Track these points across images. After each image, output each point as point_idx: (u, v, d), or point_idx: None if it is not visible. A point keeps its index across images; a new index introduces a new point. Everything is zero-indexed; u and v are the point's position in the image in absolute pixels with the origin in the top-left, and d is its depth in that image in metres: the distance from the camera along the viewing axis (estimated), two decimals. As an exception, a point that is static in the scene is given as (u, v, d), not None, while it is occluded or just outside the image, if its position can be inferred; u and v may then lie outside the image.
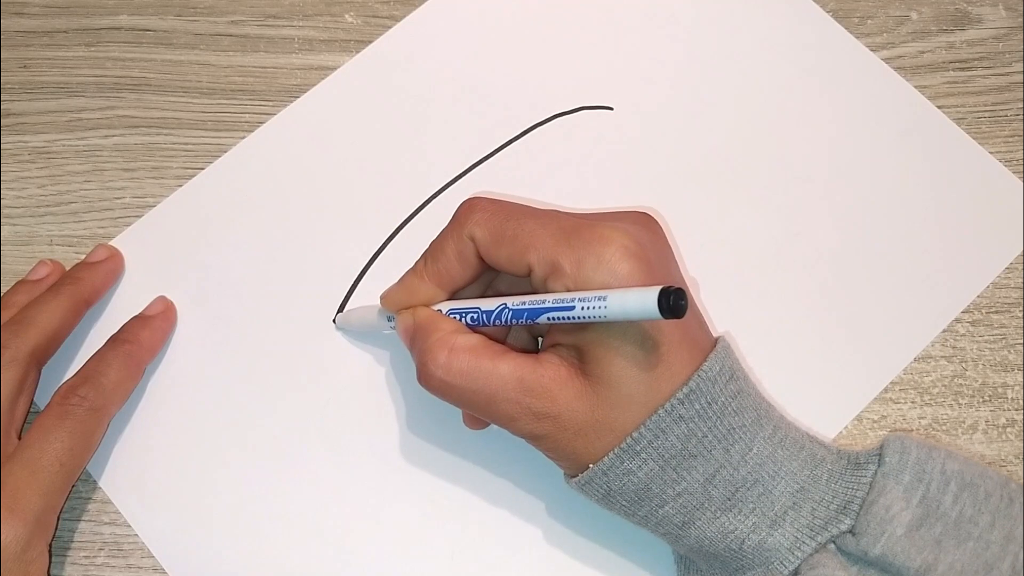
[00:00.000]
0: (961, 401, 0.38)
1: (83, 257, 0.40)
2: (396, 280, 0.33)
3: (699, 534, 0.29)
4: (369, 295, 0.39)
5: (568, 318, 0.28)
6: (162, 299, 0.39)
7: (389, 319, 0.35)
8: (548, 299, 0.28)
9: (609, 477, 0.29)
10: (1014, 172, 0.42)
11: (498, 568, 0.35)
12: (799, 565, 0.29)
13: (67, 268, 0.39)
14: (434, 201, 0.41)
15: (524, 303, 0.29)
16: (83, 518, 0.36)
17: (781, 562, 0.29)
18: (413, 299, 0.33)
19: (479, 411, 0.30)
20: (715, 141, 0.42)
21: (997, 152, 0.42)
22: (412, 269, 0.33)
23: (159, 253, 0.40)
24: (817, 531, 0.29)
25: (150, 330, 0.37)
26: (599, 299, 0.27)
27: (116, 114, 0.43)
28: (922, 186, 0.41)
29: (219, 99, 0.43)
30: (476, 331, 0.31)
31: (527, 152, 0.42)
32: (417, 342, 0.31)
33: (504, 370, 0.29)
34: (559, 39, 0.44)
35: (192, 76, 0.44)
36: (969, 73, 0.44)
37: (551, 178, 0.41)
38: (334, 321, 0.39)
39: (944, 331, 0.39)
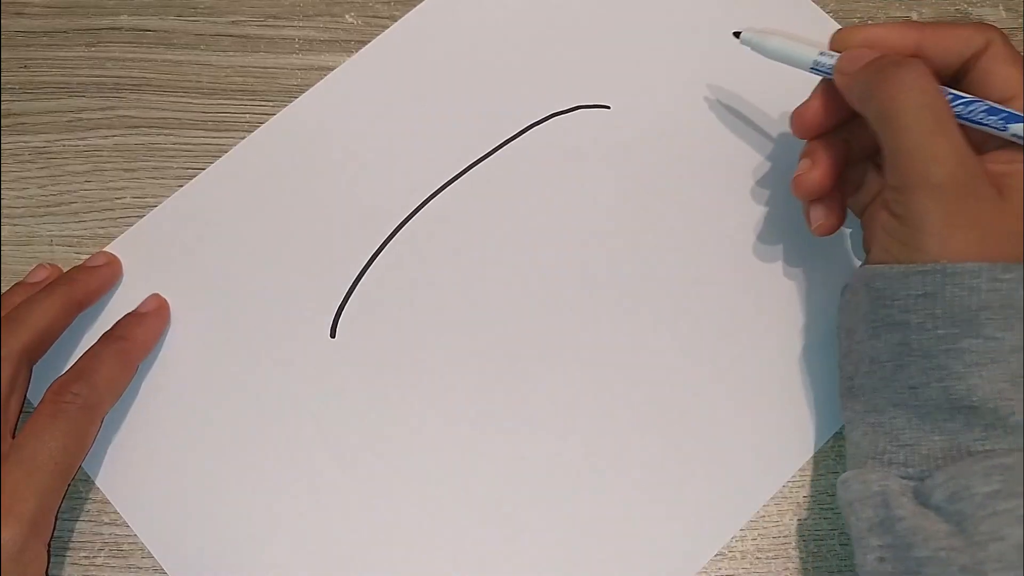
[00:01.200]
0: None
1: (83, 257, 0.40)
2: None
3: (978, 383, 0.29)
4: (369, 294, 0.39)
5: None
6: (156, 296, 0.39)
7: (821, 55, 0.35)
8: None
9: (954, 280, 0.29)
10: (1015, 173, 0.42)
11: (499, 569, 0.35)
12: None
13: (66, 269, 0.39)
14: (433, 201, 0.41)
15: (1007, 108, 0.31)
16: (83, 518, 0.36)
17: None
18: (878, 40, 0.33)
19: (917, 134, 0.30)
20: (714, 140, 0.42)
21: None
22: (899, 23, 0.34)
23: (160, 253, 0.40)
24: None
25: (144, 327, 0.37)
26: None
27: (116, 114, 0.43)
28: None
29: (219, 99, 0.43)
30: None
31: (525, 151, 0.42)
32: (899, 60, 0.31)
33: (957, 129, 0.30)
34: (556, 38, 0.44)
35: (192, 76, 0.44)
36: (970, 74, 0.44)
37: (550, 177, 0.41)
38: (737, 34, 0.38)
39: (944, 332, 0.39)
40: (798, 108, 0.36)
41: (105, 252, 0.39)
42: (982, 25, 0.33)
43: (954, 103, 0.32)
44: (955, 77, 0.33)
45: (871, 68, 0.32)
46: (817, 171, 0.35)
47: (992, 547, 0.27)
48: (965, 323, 0.29)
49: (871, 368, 0.32)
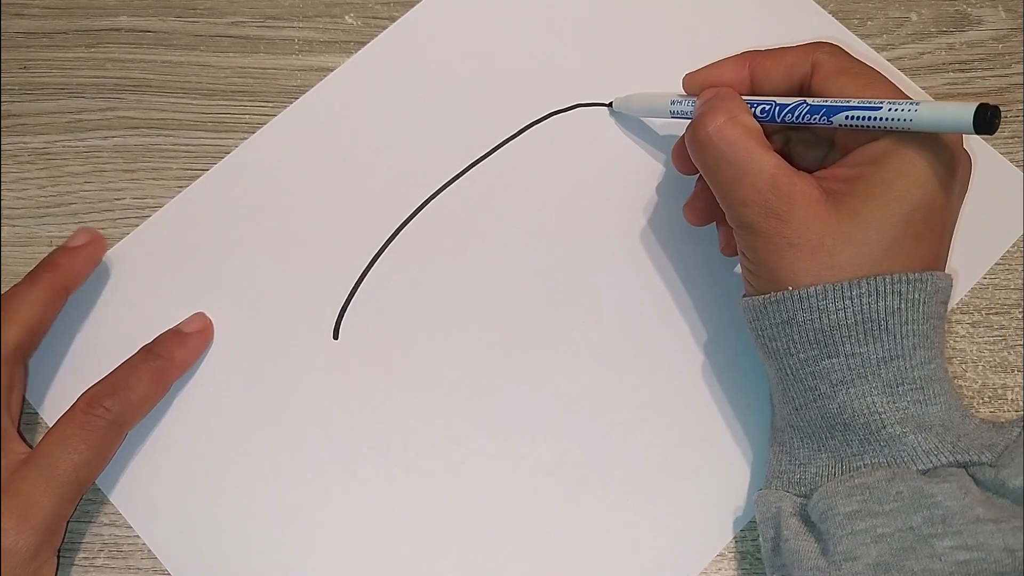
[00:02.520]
0: (961, 402, 0.38)
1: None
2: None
3: (847, 400, 0.30)
4: (372, 295, 0.39)
5: (870, 119, 0.28)
6: (201, 316, 0.38)
7: (673, 102, 0.36)
8: (854, 100, 0.29)
9: (802, 306, 0.29)
10: (1014, 173, 0.42)
11: (504, 569, 0.35)
12: (928, 471, 0.29)
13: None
14: (433, 201, 0.41)
15: (826, 100, 0.30)
16: (83, 519, 0.36)
17: (912, 460, 0.29)
18: (720, 79, 0.34)
19: (721, 183, 0.31)
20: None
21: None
22: (734, 56, 0.34)
23: (162, 256, 0.40)
24: (959, 451, 0.29)
25: (185, 348, 0.37)
26: (911, 103, 0.28)
27: (116, 115, 0.43)
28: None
29: (219, 100, 0.43)
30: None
31: (525, 151, 0.42)
32: (707, 101, 0.33)
33: (765, 160, 0.30)
34: (555, 37, 0.44)
35: (192, 77, 0.44)
36: (969, 74, 0.44)
37: (549, 176, 0.41)
38: (610, 105, 0.40)
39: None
40: (685, 203, 0.38)
41: (87, 229, 0.38)
42: (809, 47, 0.33)
43: (780, 113, 0.32)
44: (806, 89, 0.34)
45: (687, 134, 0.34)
46: (692, 215, 0.37)
47: (846, 567, 0.28)
48: (822, 344, 0.30)
49: (771, 391, 0.34)
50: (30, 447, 0.34)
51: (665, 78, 0.43)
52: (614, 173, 0.42)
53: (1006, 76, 0.44)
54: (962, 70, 0.44)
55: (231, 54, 0.44)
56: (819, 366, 0.30)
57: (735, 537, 0.36)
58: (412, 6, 0.45)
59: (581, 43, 0.44)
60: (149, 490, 0.36)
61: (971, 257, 0.40)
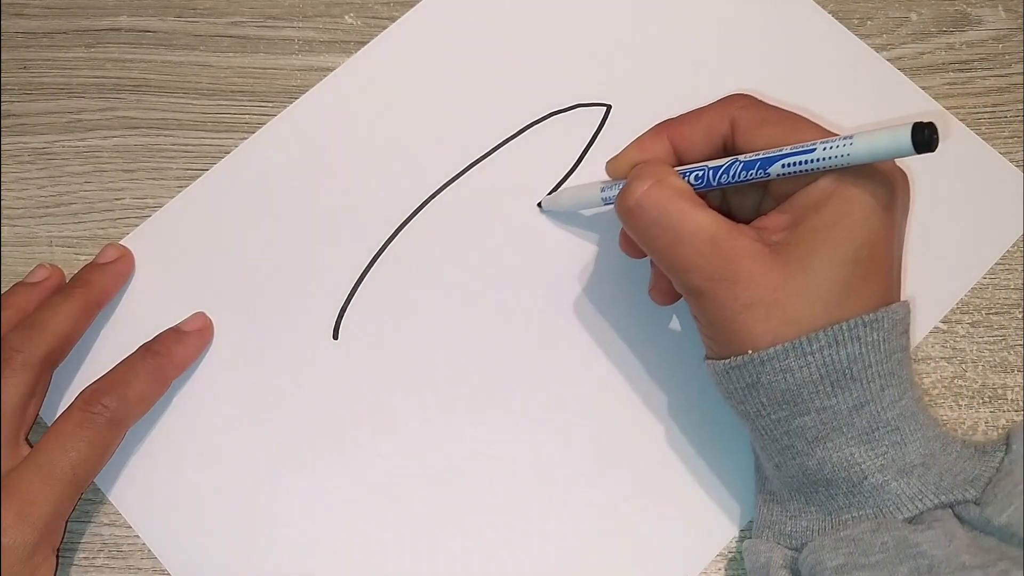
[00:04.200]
0: (961, 402, 0.38)
1: (82, 258, 0.40)
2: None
3: (825, 456, 0.29)
4: (372, 295, 0.39)
5: (806, 162, 0.28)
6: (200, 316, 0.38)
7: (603, 189, 0.34)
8: (786, 147, 0.28)
9: (764, 369, 0.29)
10: (1014, 173, 0.42)
11: (503, 569, 0.35)
12: (915, 517, 0.29)
13: (66, 269, 0.39)
14: (433, 200, 0.41)
15: (758, 154, 0.29)
16: (82, 519, 0.36)
17: (898, 508, 0.29)
18: (642, 157, 0.33)
19: (660, 250, 0.30)
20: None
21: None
22: (650, 129, 0.33)
23: (162, 256, 0.40)
24: (942, 492, 0.29)
25: (184, 346, 0.37)
26: (845, 139, 0.27)
27: (116, 115, 0.43)
28: (920, 177, 0.41)
29: (219, 100, 0.43)
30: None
31: (525, 150, 0.42)
32: (632, 172, 0.32)
33: (701, 219, 0.29)
34: (555, 37, 0.44)
35: (192, 77, 0.44)
36: (969, 74, 0.44)
37: (549, 176, 0.41)
38: (539, 205, 0.39)
39: (944, 332, 0.39)
40: (650, 287, 0.36)
41: (115, 245, 0.39)
42: (722, 104, 0.32)
43: (715, 176, 0.30)
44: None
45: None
46: (659, 296, 0.36)
47: None
48: (792, 404, 0.29)
49: (753, 446, 0.33)
50: (30, 446, 0.34)
51: (665, 78, 0.43)
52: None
53: (1006, 76, 0.44)
54: (962, 70, 0.44)
55: (231, 54, 0.44)
56: (792, 425, 0.29)
57: (736, 537, 0.36)
58: (412, 6, 0.45)
59: (581, 43, 0.44)
60: (149, 490, 0.36)
61: (971, 257, 0.40)
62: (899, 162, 0.30)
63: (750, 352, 0.29)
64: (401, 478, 0.36)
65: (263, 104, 0.43)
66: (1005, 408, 0.38)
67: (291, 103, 0.43)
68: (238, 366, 0.38)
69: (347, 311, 0.39)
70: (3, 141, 0.42)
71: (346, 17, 0.45)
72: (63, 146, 0.42)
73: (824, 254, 0.28)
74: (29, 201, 0.41)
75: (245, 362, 0.38)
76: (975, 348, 0.39)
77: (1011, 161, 0.42)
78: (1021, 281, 0.40)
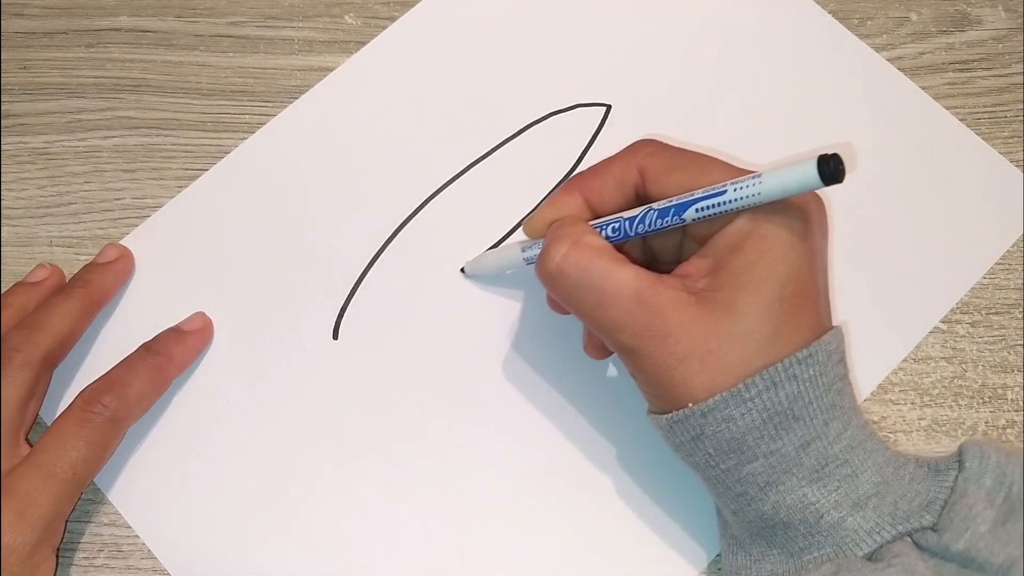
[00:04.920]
0: (961, 402, 0.38)
1: (82, 258, 0.40)
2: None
3: (779, 500, 0.29)
4: (372, 295, 0.39)
5: (719, 204, 0.27)
6: (200, 316, 0.38)
7: (524, 250, 0.34)
8: (697, 191, 0.28)
9: (706, 420, 0.28)
10: (1014, 173, 0.42)
11: (503, 569, 0.35)
12: (875, 551, 0.28)
13: (66, 269, 0.39)
14: (433, 200, 0.41)
15: (671, 201, 0.29)
16: (82, 519, 0.36)
17: (857, 544, 0.29)
18: (557, 215, 0.32)
19: (586, 312, 0.30)
20: (713, 139, 0.42)
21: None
22: (562, 187, 0.33)
23: (161, 256, 0.40)
24: (899, 521, 0.29)
25: (183, 346, 0.37)
26: (753, 178, 0.27)
27: (116, 115, 0.43)
28: (920, 177, 0.41)
29: (219, 100, 0.43)
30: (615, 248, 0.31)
31: (525, 150, 0.42)
32: (548, 236, 0.31)
33: (623, 276, 0.29)
34: (555, 37, 0.44)
35: (192, 77, 0.44)
36: (969, 74, 0.44)
37: (548, 176, 0.41)
38: (462, 270, 0.39)
39: (944, 332, 0.39)
40: (584, 343, 0.36)
41: (115, 245, 0.39)
42: (628, 153, 0.31)
43: (632, 227, 0.30)
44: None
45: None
46: (594, 351, 0.35)
47: None
48: (738, 452, 0.29)
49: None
50: (30, 446, 0.34)
51: (665, 78, 0.43)
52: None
53: (1006, 76, 0.44)
54: (962, 70, 0.44)
55: (231, 54, 0.44)
56: (742, 473, 0.29)
57: None
58: (412, 6, 0.45)
59: (581, 43, 0.44)
60: (149, 490, 0.36)
61: (971, 257, 0.40)
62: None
63: (690, 405, 0.28)
64: (400, 477, 0.36)
65: (263, 104, 0.43)
66: (1005, 408, 0.38)
67: (291, 103, 0.43)
68: (238, 366, 0.38)
69: (347, 311, 0.39)
70: (3, 141, 0.42)
71: (346, 17, 0.45)
72: (63, 146, 0.42)
73: (750, 296, 0.28)
74: (29, 201, 0.41)
75: (245, 362, 0.38)
76: (975, 348, 0.39)
77: (1011, 161, 0.42)
78: (1021, 281, 0.40)
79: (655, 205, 0.30)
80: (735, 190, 0.27)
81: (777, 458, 0.28)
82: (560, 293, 0.30)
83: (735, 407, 0.28)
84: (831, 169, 0.25)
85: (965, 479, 0.29)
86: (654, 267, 0.34)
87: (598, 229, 0.31)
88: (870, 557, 0.29)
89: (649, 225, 0.30)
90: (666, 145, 0.31)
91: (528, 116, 0.42)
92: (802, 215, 0.29)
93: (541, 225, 0.33)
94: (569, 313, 0.32)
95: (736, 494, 0.30)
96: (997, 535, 0.28)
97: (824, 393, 0.28)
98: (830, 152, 0.25)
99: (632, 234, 0.30)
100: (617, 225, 0.30)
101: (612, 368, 0.38)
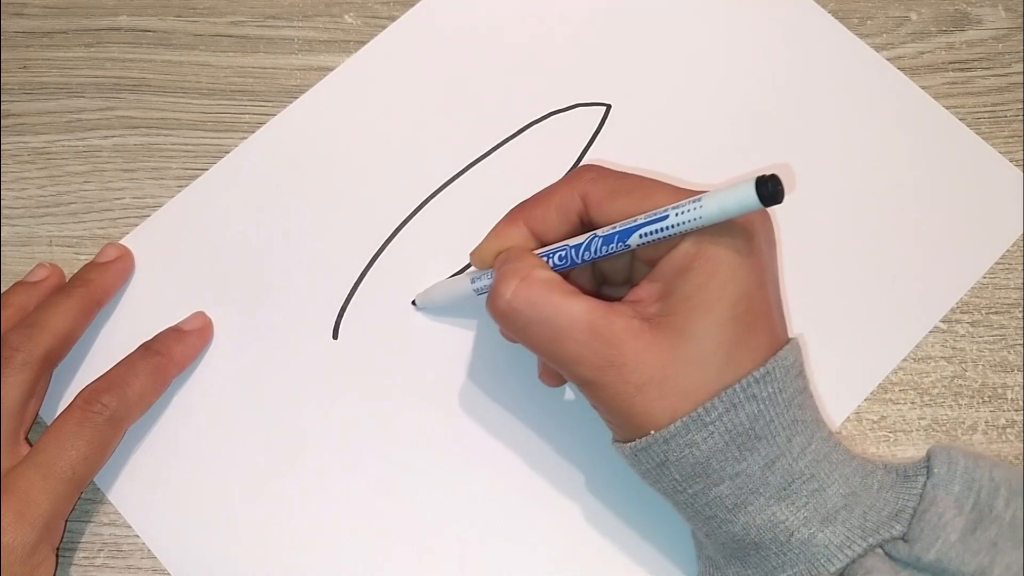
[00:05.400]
0: (961, 402, 0.38)
1: (82, 257, 0.40)
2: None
3: (748, 521, 0.29)
4: (372, 295, 0.39)
5: (662, 229, 0.27)
6: (200, 315, 0.38)
7: (473, 280, 0.34)
8: (640, 217, 0.28)
9: (669, 446, 0.28)
10: (1014, 173, 0.42)
11: (503, 569, 0.35)
12: (847, 566, 0.28)
13: (66, 269, 0.39)
14: (433, 200, 0.41)
15: (615, 227, 0.29)
16: (82, 518, 0.36)
17: (828, 559, 0.28)
18: (504, 246, 0.32)
19: (541, 347, 0.30)
20: (713, 139, 0.42)
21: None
22: (505, 217, 0.33)
23: (161, 256, 0.40)
24: (868, 533, 0.29)
25: (184, 345, 0.37)
26: (693, 202, 0.27)
27: (116, 115, 0.43)
28: (920, 177, 0.41)
29: (219, 100, 0.43)
30: (564, 275, 0.31)
31: (525, 150, 0.42)
32: (496, 271, 0.31)
33: (576, 309, 0.29)
34: (555, 36, 0.44)
35: (192, 77, 0.44)
36: (969, 74, 0.44)
37: (548, 177, 0.41)
38: (413, 303, 0.38)
39: (944, 332, 0.39)
40: (539, 372, 0.35)
41: (115, 244, 0.39)
42: (570, 180, 0.31)
43: (578, 254, 0.30)
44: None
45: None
46: (548, 379, 0.35)
47: None
48: (704, 476, 0.29)
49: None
50: (30, 445, 0.34)
51: (665, 78, 0.43)
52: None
53: (1006, 76, 0.44)
54: (962, 70, 0.44)
55: (231, 54, 0.44)
56: (710, 496, 0.29)
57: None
58: (412, 6, 0.45)
59: (581, 43, 0.44)
60: (148, 489, 0.36)
61: (971, 257, 0.40)
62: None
63: (652, 432, 0.28)
64: (400, 477, 0.36)
65: (263, 104, 0.43)
66: (1005, 408, 0.38)
67: (291, 103, 0.43)
68: (238, 366, 0.38)
69: (347, 311, 0.39)
70: (3, 141, 0.42)
71: (346, 17, 0.45)
72: (63, 146, 0.42)
73: (702, 319, 0.28)
74: (29, 201, 0.41)
75: (245, 362, 0.38)
76: (975, 348, 0.39)
77: (1011, 161, 0.42)
78: (1021, 281, 0.40)
79: (599, 232, 0.30)
80: (677, 215, 0.27)
81: (743, 479, 0.28)
82: (514, 330, 0.30)
83: (696, 432, 0.28)
84: (769, 190, 0.25)
85: (934, 485, 0.29)
86: (605, 289, 0.34)
87: (544, 258, 0.31)
88: (843, 574, 0.28)
89: (595, 252, 0.30)
90: (608, 171, 0.31)
91: (528, 116, 0.42)
92: (747, 233, 0.28)
93: (487, 256, 0.33)
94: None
95: (706, 517, 0.30)
96: (967, 544, 0.28)
97: (785, 409, 0.28)
98: (768, 173, 0.25)
99: (579, 261, 0.30)
100: (563, 253, 0.31)
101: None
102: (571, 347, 0.29)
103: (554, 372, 0.34)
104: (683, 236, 0.28)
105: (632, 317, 0.29)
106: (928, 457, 0.30)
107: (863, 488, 0.29)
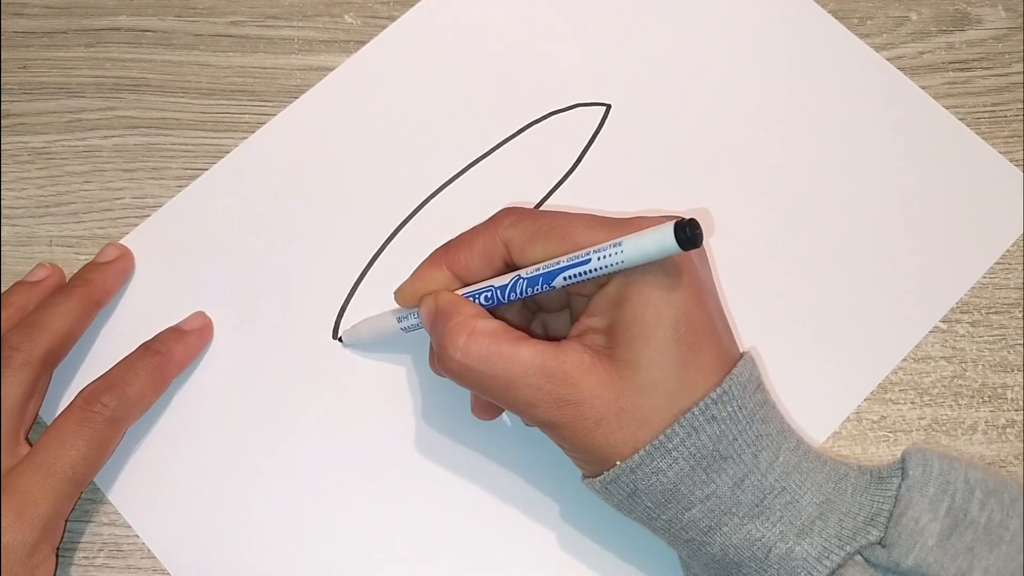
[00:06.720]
0: (961, 402, 0.38)
1: (82, 257, 0.40)
2: (406, 278, 0.33)
3: (724, 541, 0.29)
4: (371, 295, 0.39)
5: (585, 272, 0.28)
6: (200, 315, 0.38)
7: (400, 320, 0.34)
8: (563, 259, 0.28)
9: (637, 476, 0.28)
10: (1014, 173, 0.42)
11: (502, 569, 0.35)
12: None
13: (66, 269, 0.39)
14: (433, 200, 0.41)
15: (538, 269, 0.29)
16: (82, 518, 0.36)
17: (808, 572, 0.28)
18: (428, 288, 0.32)
19: (497, 397, 0.30)
20: (713, 138, 0.42)
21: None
22: (428, 259, 0.33)
23: (161, 256, 0.40)
24: (846, 541, 0.28)
25: (184, 345, 0.37)
26: (614, 246, 0.27)
27: (116, 115, 0.43)
28: (920, 177, 0.41)
29: (219, 100, 0.43)
30: (495, 314, 0.31)
31: (525, 150, 0.42)
32: (437, 326, 0.31)
33: (525, 355, 0.29)
34: (555, 37, 0.44)
35: (192, 77, 0.44)
36: (969, 74, 0.44)
37: (548, 177, 0.41)
38: (340, 340, 0.38)
39: (944, 332, 0.39)
40: (471, 405, 0.35)
41: (115, 244, 0.39)
42: (490, 225, 0.32)
43: (504, 294, 0.30)
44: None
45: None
46: (481, 412, 0.35)
47: None
48: (675, 501, 0.29)
49: None
50: (30, 445, 0.34)
51: (665, 78, 0.43)
52: (614, 173, 0.41)
53: (1006, 76, 0.44)
54: (962, 69, 0.44)
55: (231, 53, 0.44)
56: (684, 521, 0.29)
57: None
58: (412, 6, 0.45)
59: (581, 43, 0.44)
60: (148, 489, 0.36)
61: (971, 257, 0.40)
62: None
63: (618, 464, 0.28)
64: (400, 477, 0.36)
65: (263, 104, 0.43)
66: (1005, 408, 0.38)
67: (291, 103, 0.43)
68: (238, 366, 0.38)
69: (347, 311, 0.39)
70: (3, 141, 0.42)
71: (346, 17, 0.45)
72: (63, 146, 0.42)
73: (644, 347, 0.28)
74: (29, 201, 0.41)
75: (245, 362, 0.38)
76: (975, 348, 0.39)
77: (1011, 161, 0.42)
78: (1021, 281, 0.40)
79: (524, 273, 0.30)
80: (599, 259, 0.28)
81: (714, 501, 0.28)
82: (468, 386, 0.30)
83: (660, 459, 0.28)
84: (688, 235, 0.25)
85: (908, 487, 0.29)
86: (541, 316, 0.34)
87: (471, 298, 0.31)
88: None
89: (520, 293, 0.30)
90: (527, 213, 0.31)
91: (528, 116, 0.42)
92: (670, 258, 0.28)
93: (409, 297, 0.33)
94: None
95: (684, 540, 0.30)
96: (945, 548, 0.28)
97: (747, 426, 0.28)
98: (687, 217, 0.25)
99: (505, 301, 0.30)
100: (489, 294, 0.31)
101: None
102: (526, 393, 0.29)
103: (487, 405, 0.34)
104: (609, 276, 0.29)
105: (582, 352, 0.29)
106: (903, 459, 0.30)
107: (837, 493, 0.29)
